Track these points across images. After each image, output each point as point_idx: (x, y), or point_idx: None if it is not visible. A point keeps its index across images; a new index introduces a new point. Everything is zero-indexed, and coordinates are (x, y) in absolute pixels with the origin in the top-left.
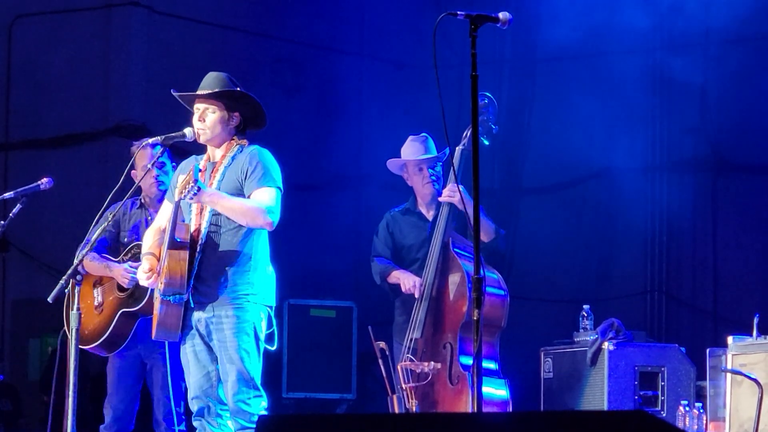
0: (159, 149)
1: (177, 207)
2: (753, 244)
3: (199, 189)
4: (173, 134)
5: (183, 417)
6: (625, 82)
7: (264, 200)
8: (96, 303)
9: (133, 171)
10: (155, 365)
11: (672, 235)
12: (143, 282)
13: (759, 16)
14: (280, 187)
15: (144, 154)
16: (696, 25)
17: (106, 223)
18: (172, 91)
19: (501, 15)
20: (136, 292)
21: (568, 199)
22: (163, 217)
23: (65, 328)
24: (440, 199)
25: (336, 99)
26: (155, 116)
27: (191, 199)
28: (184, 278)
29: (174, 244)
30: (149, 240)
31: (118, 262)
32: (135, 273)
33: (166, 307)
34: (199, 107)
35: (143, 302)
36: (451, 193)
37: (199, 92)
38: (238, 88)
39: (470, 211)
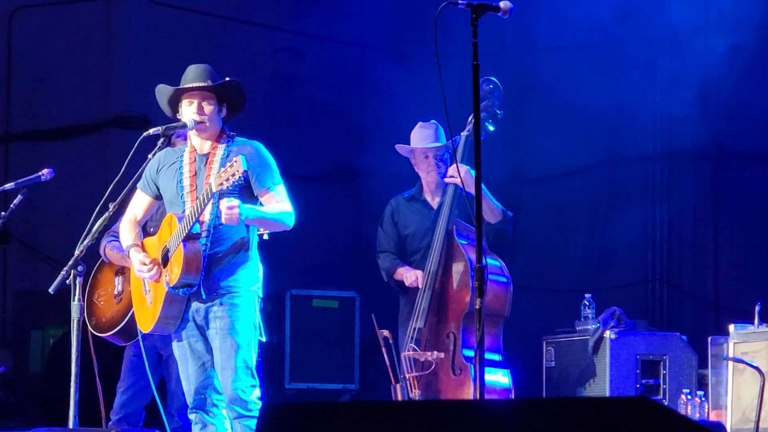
0: (161, 141)
1: (217, 199)
2: (754, 232)
3: (240, 214)
4: (174, 124)
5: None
6: (626, 71)
7: (283, 206)
8: (116, 292)
9: None
10: (171, 357)
11: (673, 224)
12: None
13: (759, 4)
14: (282, 181)
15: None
16: (697, 14)
17: (107, 213)
18: (165, 85)
19: (502, 4)
20: None
21: (569, 188)
22: (137, 207)
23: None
24: (446, 179)
25: (336, 89)
26: (156, 107)
27: (228, 220)
28: (199, 271)
29: (190, 236)
30: (129, 233)
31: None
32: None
33: (170, 300)
34: (192, 99)
35: None
36: (454, 173)
37: (197, 84)
38: (228, 78)
39: (473, 192)
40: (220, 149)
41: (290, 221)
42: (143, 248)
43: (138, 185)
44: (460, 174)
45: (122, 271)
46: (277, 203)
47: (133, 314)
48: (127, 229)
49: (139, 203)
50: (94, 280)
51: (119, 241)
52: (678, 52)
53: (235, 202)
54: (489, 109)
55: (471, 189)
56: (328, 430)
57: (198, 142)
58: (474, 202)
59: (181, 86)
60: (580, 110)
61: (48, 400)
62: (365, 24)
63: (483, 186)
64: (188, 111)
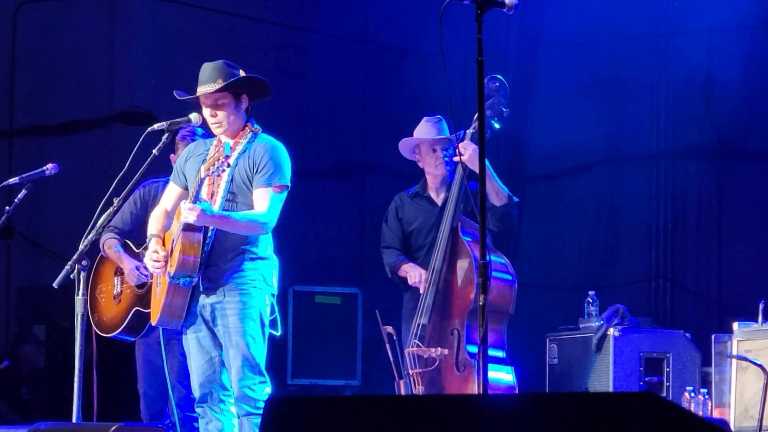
0: (165, 136)
1: (199, 189)
2: (758, 230)
3: (203, 211)
4: (178, 120)
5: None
6: (631, 70)
7: (262, 208)
8: (115, 292)
9: (172, 155)
10: (171, 351)
11: (677, 222)
12: (148, 262)
13: (764, 2)
14: (286, 185)
15: (185, 143)
16: (701, 12)
17: (111, 208)
18: (176, 94)
19: (507, 0)
20: (149, 293)
21: (573, 186)
22: (168, 199)
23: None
24: (455, 158)
25: (340, 85)
26: (160, 102)
27: (190, 218)
28: (197, 262)
29: (189, 226)
30: (156, 222)
31: (136, 255)
32: (144, 273)
33: (173, 291)
34: (206, 102)
35: None
36: (462, 150)
37: (205, 92)
38: (241, 71)
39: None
40: (241, 144)
41: (262, 227)
42: (164, 240)
43: (170, 177)
44: (467, 154)
45: (121, 270)
46: (257, 206)
47: (134, 314)
48: (155, 218)
49: (169, 194)
50: (95, 274)
51: (119, 239)
52: (683, 50)
53: (198, 207)
54: (495, 107)
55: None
56: (333, 424)
57: (223, 137)
58: (478, 196)
59: (183, 97)
60: (585, 107)
61: (51, 394)
62: (369, 20)
63: (490, 168)
64: (205, 113)
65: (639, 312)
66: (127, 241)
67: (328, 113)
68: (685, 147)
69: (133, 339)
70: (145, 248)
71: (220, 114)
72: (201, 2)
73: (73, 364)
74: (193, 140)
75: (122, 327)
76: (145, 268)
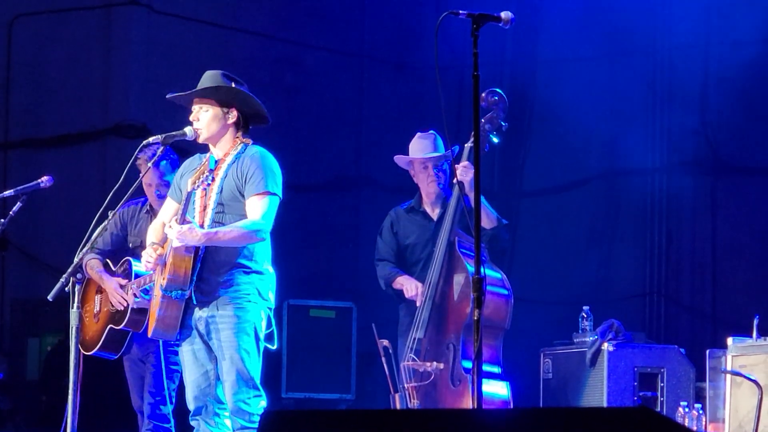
0: (160, 149)
1: (187, 202)
2: (752, 245)
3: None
4: (173, 133)
5: (169, 418)
6: (626, 84)
7: (255, 217)
8: (95, 311)
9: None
10: (146, 364)
11: (671, 237)
12: (143, 264)
13: (760, 18)
14: (277, 193)
15: (151, 171)
16: (696, 27)
17: (106, 222)
18: (167, 95)
19: (503, 14)
20: (123, 311)
21: (567, 201)
22: (166, 213)
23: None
24: (457, 178)
25: (336, 99)
26: (155, 116)
27: (176, 242)
28: (188, 276)
29: None
30: (155, 235)
31: (113, 274)
32: (127, 293)
33: (166, 304)
34: (194, 107)
35: (125, 321)
36: (464, 171)
37: (184, 92)
38: (233, 84)
39: (472, 197)
40: (230, 155)
41: (256, 234)
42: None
43: (167, 192)
44: (466, 180)
45: (101, 290)
46: (249, 214)
47: (109, 331)
48: (153, 230)
49: (167, 208)
50: (83, 292)
51: (100, 259)
52: (677, 65)
53: (185, 227)
54: (493, 121)
55: (470, 193)
56: None
57: (214, 150)
58: (472, 213)
59: (170, 96)
60: (580, 123)
61: (44, 407)
62: (365, 34)
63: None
64: (191, 118)
65: (633, 327)
66: (108, 261)
67: (323, 127)
68: (679, 161)
69: (115, 356)
70: (123, 265)
71: (202, 119)
72: (196, 16)
73: (67, 377)
74: (160, 166)
75: (99, 345)
76: (129, 281)
